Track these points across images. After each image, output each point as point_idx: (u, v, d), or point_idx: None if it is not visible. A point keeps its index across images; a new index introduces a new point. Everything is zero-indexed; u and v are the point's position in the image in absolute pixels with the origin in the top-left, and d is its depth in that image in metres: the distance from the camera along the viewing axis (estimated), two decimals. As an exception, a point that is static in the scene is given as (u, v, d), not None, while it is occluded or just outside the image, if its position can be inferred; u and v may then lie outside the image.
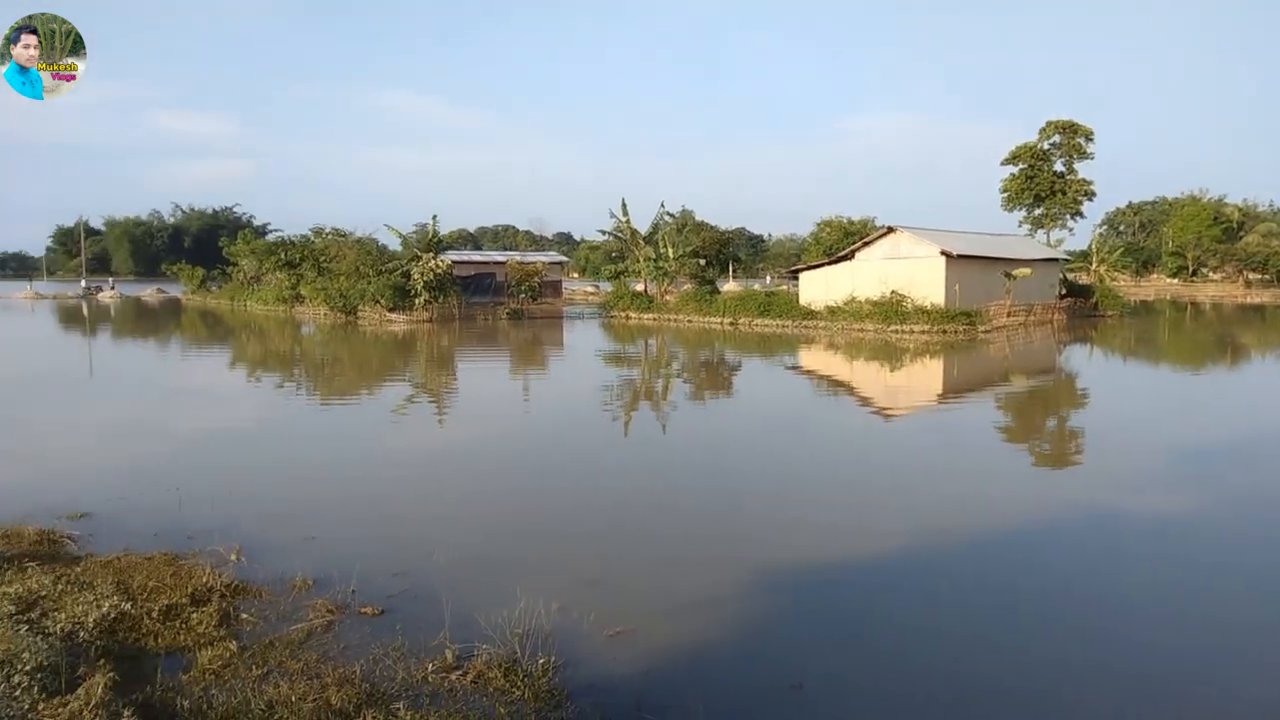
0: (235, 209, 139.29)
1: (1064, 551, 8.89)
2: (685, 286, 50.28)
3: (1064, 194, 78.28)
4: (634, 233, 49.89)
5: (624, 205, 49.56)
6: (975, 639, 6.69)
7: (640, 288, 51.06)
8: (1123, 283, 69.55)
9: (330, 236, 55.72)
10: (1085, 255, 60.99)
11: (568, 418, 17.44)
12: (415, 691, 5.34)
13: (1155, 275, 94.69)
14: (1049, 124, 77.32)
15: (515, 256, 58.09)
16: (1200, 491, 11.33)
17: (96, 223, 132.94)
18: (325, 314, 46.97)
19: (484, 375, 25.42)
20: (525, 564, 8.24)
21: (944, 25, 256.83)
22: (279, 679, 5.37)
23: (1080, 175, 78.49)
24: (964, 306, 36.33)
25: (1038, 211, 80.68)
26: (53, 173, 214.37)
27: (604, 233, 54.87)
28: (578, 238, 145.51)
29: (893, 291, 36.84)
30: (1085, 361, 29.48)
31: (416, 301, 42.98)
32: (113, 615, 6.22)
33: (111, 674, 5.09)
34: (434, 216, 45.08)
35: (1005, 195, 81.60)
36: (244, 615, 6.58)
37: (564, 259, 73.07)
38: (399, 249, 47.36)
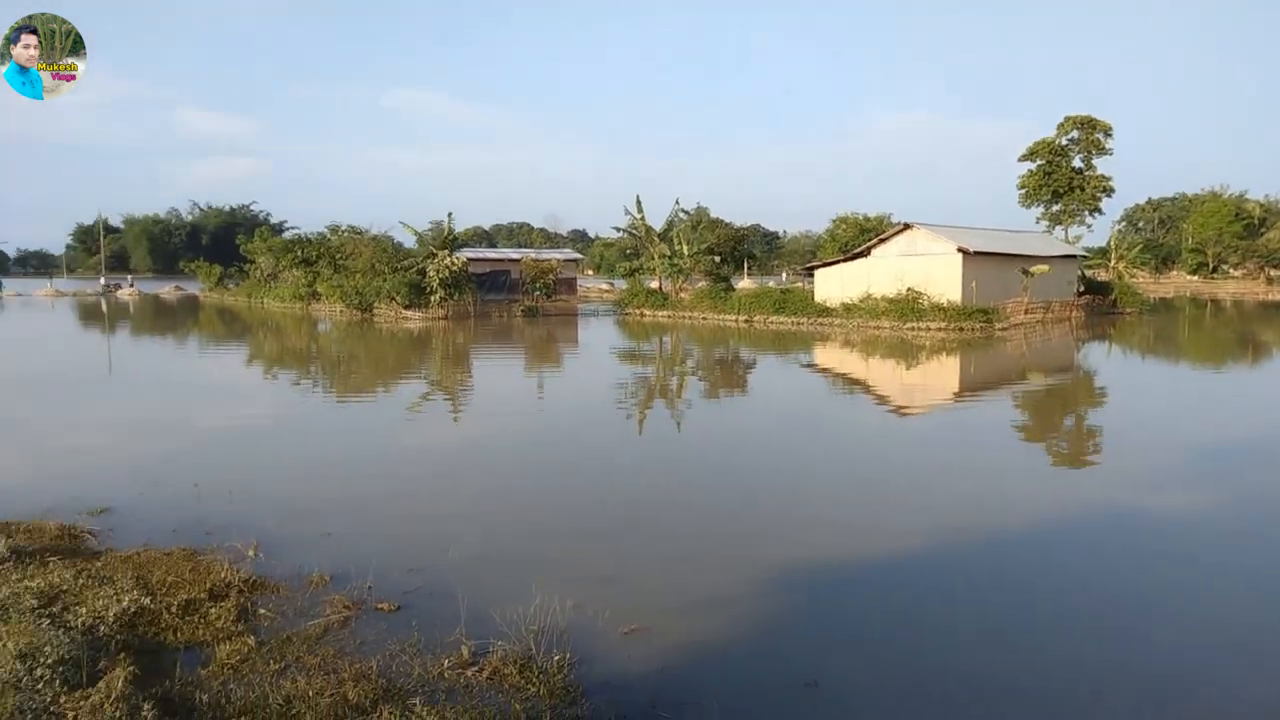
0: (252, 207, 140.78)
1: (1081, 550, 8.80)
2: (700, 284, 50.24)
3: (1082, 190, 77.65)
4: (649, 230, 49.84)
5: (639, 202, 49.57)
6: (991, 637, 6.64)
7: (655, 285, 51.05)
8: (1142, 280, 68.84)
9: (346, 234, 56.11)
10: (1104, 252, 60.40)
11: (582, 415, 17.46)
12: (431, 687, 5.36)
13: (1175, 272, 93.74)
14: (1067, 119, 76.72)
15: (530, 254, 58.27)
16: (1220, 490, 11.20)
17: (116, 221, 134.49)
18: (341, 311, 47.23)
19: (499, 372, 25.48)
20: (540, 561, 8.25)
21: (946, 24, 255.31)
22: (296, 674, 5.41)
23: (1099, 171, 77.85)
24: (981, 304, 36.09)
25: (1056, 208, 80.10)
26: (72, 172, 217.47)
27: (619, 230, 54.96)
28: (592, 235, 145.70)
29: (909, 289, 36.62)
30: (1104, 359, 29.20)
31: (432, 299, 43.11)
32: (132, 610, 6.28)
33: (131, 668, 5.14)
34: (449, 214, 45.25)
35: (1023, 191, 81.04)
36: (261, 610, 6.63)
37: (579, 256, 73.20)
38: (414, 246, 47.53)
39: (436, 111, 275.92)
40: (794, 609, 7.12)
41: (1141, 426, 16.28)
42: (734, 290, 46.91)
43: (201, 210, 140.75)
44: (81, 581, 6.81)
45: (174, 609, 6.43)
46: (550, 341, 34.80)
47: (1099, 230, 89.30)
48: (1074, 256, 48.02)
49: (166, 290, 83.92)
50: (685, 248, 48.69)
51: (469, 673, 5.57)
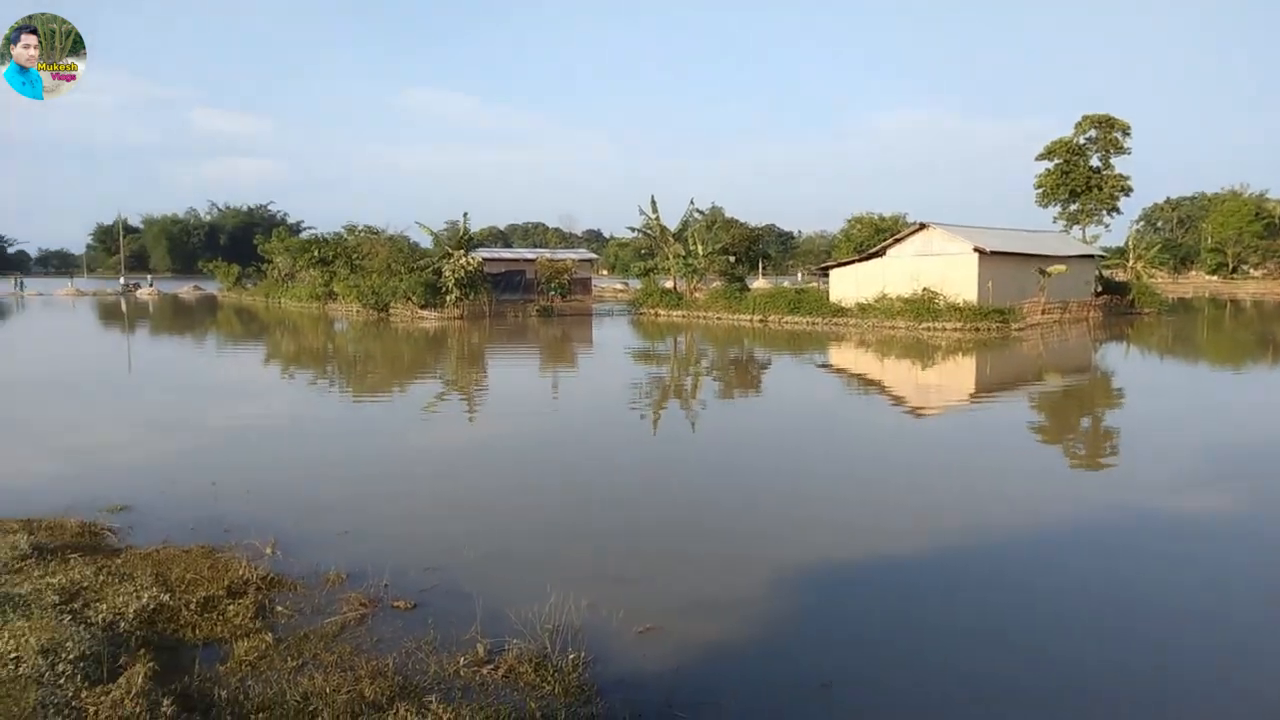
0: (270, 206, 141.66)
1: (1086, 551, 8.73)
2: (715, 283, 50.17)
3: (1100, 189, 77.01)
4: (663, 230, 49.79)
5: (653, 202, 49.53)
6: (993, 637, 6.61)
7: (669, 285, 51.00)
8: (1160, 280, 68.12)
9: (363, 234, 56.44)
10: (1122, 252, 59.84)
11: (597, 415, 17.48)
12: (447, 685, 5.38)
13: (1194, 272, 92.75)
14: (1085, 118, 76.13)
15: (545, 254, 58.35)
16: (1225, 492, 11.08)
17: (135, 221, 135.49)
18: (358, 311, 47.48)
19: (514, 372, 25.55)
20: (555, 560, 8.28)
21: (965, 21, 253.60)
22: (314, 671, 5.45)
23: (1117, 170, 77.17)
24: (997, 304, 35.87)
25: (1073, 207, 79.47)
26: (92, 173, 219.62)
27: (633, 230, 54.87)
28: (607, 235, 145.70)
29: (925, 288, 36.43)
30: (1121, 360, 28.95)
31: (448, 298, 43.26)
32: (152, 606, 6.35)
33: (151, 664, 5.20)
34: (465, 214, 45.32)
35: (1040, 191, 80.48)
36: (279, 608, 6.68)
37: (593, 256, 73.20)
38: (430, 246, 47.71)
39: (452, 111, 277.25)
40: (807, 609, 7.10)
41: (1158, 428, 16.14)
42: (749, 290, 46.79)
43: (219, 210, 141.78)
44: (102, 578, 6.88)
45: (193, 606, 6.49)
46: (565, 341, 34.86)
47: (1117, 230, 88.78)
48: (1091, 256, 47.64)
49: (185, 290, 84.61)
50: (700, 247, 48.63)
51: (484, 671, 5.59)
